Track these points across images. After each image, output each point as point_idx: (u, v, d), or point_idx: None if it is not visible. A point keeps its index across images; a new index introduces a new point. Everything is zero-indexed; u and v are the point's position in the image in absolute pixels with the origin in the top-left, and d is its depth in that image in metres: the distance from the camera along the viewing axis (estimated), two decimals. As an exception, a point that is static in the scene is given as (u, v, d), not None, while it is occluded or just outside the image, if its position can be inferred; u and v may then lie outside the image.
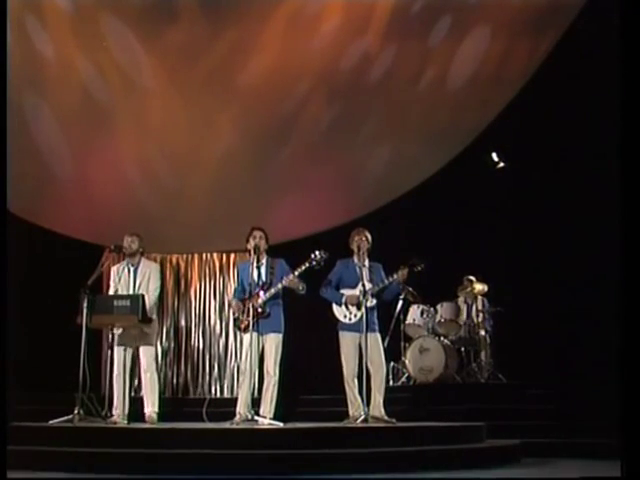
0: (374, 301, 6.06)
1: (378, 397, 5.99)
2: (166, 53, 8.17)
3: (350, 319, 6.09)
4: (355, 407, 5.99)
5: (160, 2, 7.91)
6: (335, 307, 6.18)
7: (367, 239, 6.22)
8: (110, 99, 8.30)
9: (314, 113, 8.40)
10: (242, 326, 6.05)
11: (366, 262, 6.17)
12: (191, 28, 7.97)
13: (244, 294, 6.12)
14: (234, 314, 6.21)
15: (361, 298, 5.99)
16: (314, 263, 5.91)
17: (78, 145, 8.48)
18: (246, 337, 5.98)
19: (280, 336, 6.02)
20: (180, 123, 8.36)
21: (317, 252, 5.91)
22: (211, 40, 8.08)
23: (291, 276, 5.95)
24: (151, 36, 8.08)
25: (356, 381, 6.03)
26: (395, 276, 6.05)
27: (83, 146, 8.49)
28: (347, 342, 6.09)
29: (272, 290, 5.97)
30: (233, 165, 8.48)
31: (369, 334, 5.94)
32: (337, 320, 6.17)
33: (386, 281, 6.08)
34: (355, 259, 6.22)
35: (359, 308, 6.02)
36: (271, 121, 8.30)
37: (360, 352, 6.03)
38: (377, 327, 6.12)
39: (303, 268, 5.94)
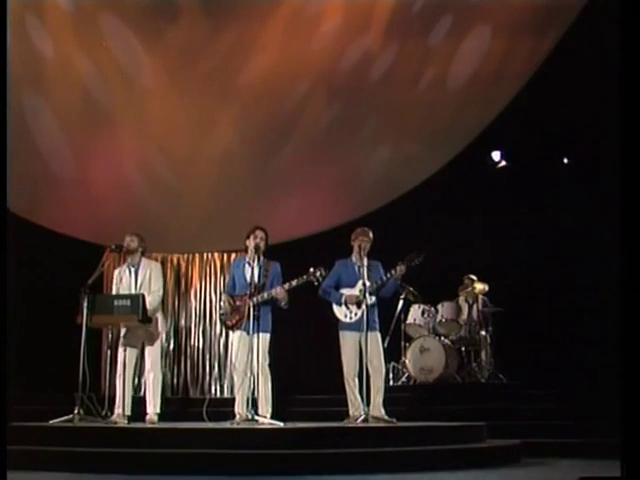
0: (373, 299, 6.05)
1: (378, 397, 5.98)
2: (166, 53, 8.18)
3: (350, 318, 6.07)
4: (355, 407, 5.98)
5: (160, 2, 7.92)
6: (335, 307, 6.17)
7: (370, 239, 6.21)
8: (110, 99, 8.31)
9: (314, 113, 8.40)
10: (229, 324, 6.07)
11: (365, 261, 6.15)
12: (191, 28, 7.98)
13: (234, 290, 6.14)
14: (221, 309, 6.21)
15: (361, 297, 5.98)
16: (312, 278, 5.86)
17: (78, 145, 8.48)
18: (234, 336, 6.04)
19: (268, 336, 6.01)
20: (180, 123, 8.36)
21: (315, 269, 5.86)
22: (211, 40, 8.09)
23: (279, 289, 5.90)
24: (151, 36, 8.09)
25: (356, 380, 6.01)
26: (393, 272, 6.04)
27: (83, 146, 8.49)
28: (347, 341, 6.07)
29: (259, 297, 5.93)
30: (233, 165, 8.47)
31: (369, 333, 5.91)
32: (337, 320, 6.17)
33: (384, 278, 6.07)
34: (353, 258, 6.21)
35: (359, 307, 6.01)
36: (271, 121, 8.30)
37: (360, 351, 6.03)
38: (377, 326, 6.10)
39: (295, 283, 5.88)
